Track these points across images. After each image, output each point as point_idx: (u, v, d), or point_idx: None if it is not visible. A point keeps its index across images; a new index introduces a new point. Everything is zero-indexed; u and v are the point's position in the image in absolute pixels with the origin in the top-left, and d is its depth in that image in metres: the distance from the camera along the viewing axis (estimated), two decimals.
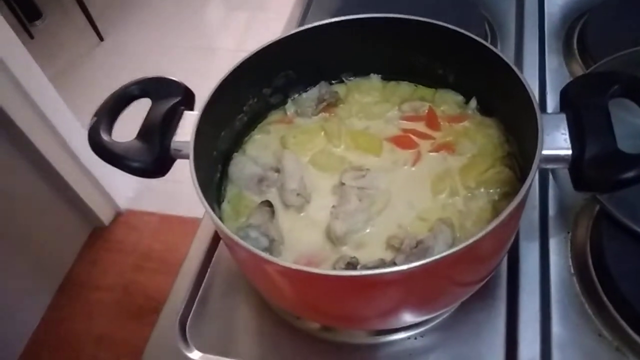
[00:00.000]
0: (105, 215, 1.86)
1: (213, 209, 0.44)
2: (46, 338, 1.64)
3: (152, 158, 0.48)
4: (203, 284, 0.58)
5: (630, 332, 0.49)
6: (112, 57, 2.49)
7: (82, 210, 1.79)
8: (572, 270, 0.54)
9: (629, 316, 0.50)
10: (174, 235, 1.78)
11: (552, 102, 0.67)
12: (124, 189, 1.91)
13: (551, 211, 0.59)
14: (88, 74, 2.39)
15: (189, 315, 0.56)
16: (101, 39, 2.58)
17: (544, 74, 0.71)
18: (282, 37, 0.55)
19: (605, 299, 0.51)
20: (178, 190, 1.86)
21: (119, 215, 1.90)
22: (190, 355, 0.53)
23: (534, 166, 0.41)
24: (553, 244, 0.56)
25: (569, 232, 0.57)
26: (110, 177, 1.82)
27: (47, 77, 1.55)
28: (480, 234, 0.38)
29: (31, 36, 2.61)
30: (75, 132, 1.64)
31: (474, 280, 0.48)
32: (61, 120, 1.59)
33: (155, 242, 1.81)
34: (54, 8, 2.80)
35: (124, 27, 2.65)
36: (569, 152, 0.44)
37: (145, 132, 0.49)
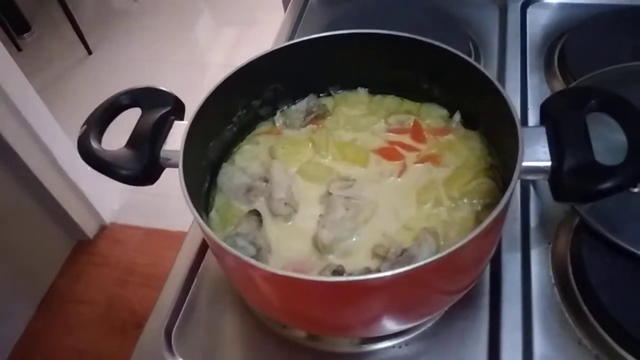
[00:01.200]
0: (89, 229, 1.85)
1: (201, 218, 0.44)
2: (27, 353, 1.62)
3: (141, 166, 0.49)
4: (189, 294, 0.59)
5: (609, 340, 0.50)
6: (101, 70, 2.50)
7: (66, 223, 1.78)
8: (553, 280, 0.55)
9: (608, 325, 0.51)
10: (159, 249, 1.77)
11: (533, 116, 0.70)
12: (109, 203, 1.91)
13: (532, 223, 0.60)
14: (76, 88, 2.39)
15: (174, 324, 0.56)
16: (90, 52, 2.59)
17: (525, 90, 0.74)
18: (271, 50, 0.56)
19: (585, 308, 0.52)
20: (163, 204, 1.86)
21: (103, 228, 1.90)
22: None
23: (515, 177, 0.43)
24: (534, 255, 0.57)
25: (549, 243, 0.58)
26: (95, 191, 1.82)
27: (35, 90, 1.56)
28: (462, 242, 0.39)
29: (19, 49, 2.61)
30: (61, 145, 1.64)
31: (456, 288, 0.48)
32: (48, 133, 1.59)
33: (139, 255, 1.80)
34: (43, 21, 2.81)
35: (113, 41, 2.66)
36: (549, 163, 0.45)
37: (134, 141, 0.50)
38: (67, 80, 2.46)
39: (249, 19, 2.69)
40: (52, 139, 1.60)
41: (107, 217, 1.90)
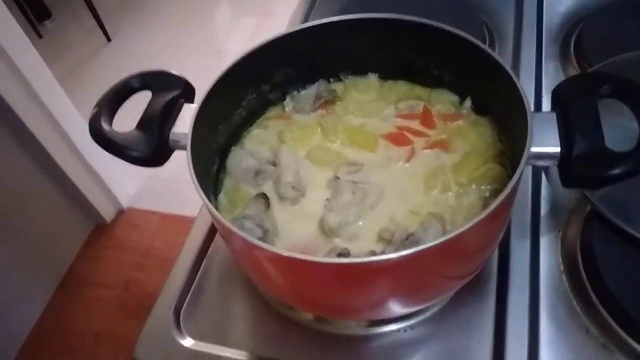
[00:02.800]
0: (107, 213, 1.88)
1: (209, 200, 0.45)
2: (46, 333, 1.66)
3: (150, 148, 0.49)
4: (198, 275, 0.60)
5: (617, 329, 0.50)
6: (119, 57, 2.52)
7: (84, 207, 1.81)
8: (562, 268, 0.55)
9: (616, 313, 0.50)
10: (175, 234, 1.79)
11: (547, 104, 0.68)
12: (126, 188, 1.93)
13: (543, 210, 0.59)
14: (95, 74, 2.42)
15: (183, 304, 0.57)
16: (109, 39, 2.61)
17: (540, 78, 0.72)
18: (281, 34, 0.56)
19: (593, 296, 0.52)
20: (179, 190, 1.88)
21: (120, 213, 1.92)
22: (182, 342, 0.54)
23: (522, 161, 0.42)
24: (544, 242, 0.57)
25: (559, 231, 0.58)
26: (113, 176, 1.85)
27: (54, 76, 1.58)
28: (467, 225, 0.39)
29: (40, 36, 2.64)
30: (80, 131, 1.67)
31: (462, 273, 0.48)
32: (67, 119, 1.61)
33: (156, 240, 1.82)
34: (63, 9, 2.84)
35: (132, 28, 2.68)
36: (558, 149, 0.45)
37: (144, 123, 0.51)
38: (86, 66, 2.49)
39: (266, 10, 2.69)
40: (71, 124, 1.63)
41: (125, 202, 1.92)
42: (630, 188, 0.55)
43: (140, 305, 1.67)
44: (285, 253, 0.40)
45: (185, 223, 1.81)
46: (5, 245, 1.53)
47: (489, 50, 0.51)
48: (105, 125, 0.49)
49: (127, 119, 0.54)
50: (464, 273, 0.49)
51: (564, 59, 0.75)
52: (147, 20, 2.72)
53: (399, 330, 0.53)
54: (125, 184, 1.93)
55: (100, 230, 1.89)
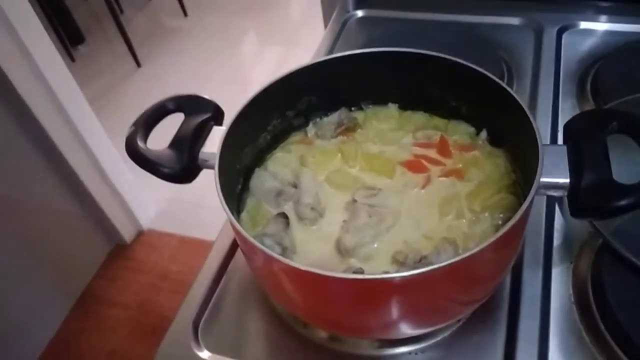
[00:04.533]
0: (127, 234, 1.92)
1: (233, 217, 0.47)
2: (60, 350, 1.68)
3: (180, 166, 0.53)
4: (217, 290, 0.62)
5: None
6: (148, 83, 2.61)
7: (106, 227, 1.85)
8: (572, 299, 0.56)
9: (625, 346, 0.51)
10: (192, 257, 1.82)
11: (562, 140, 0.70)
12: (147, 209, 1.98)
13: (556, 241, 0.61)
14: (124, 98, 2.50)
15: (202, 317, 0.59)
16: (139, 65, 2.71)
17: (556, 114, 0.75)
18: (307, 64, 0.60)
19: (602, 327, 0.53)
20: (199, 214, 1.92)
21: (140, 234, 1.96)
22: (200, 354, 0.56)
23: (533, 190, 0.44)
24: (555, 273, 0.58)
25: (571, 263, 0.59)
26: (135, 198, 1.89)
27: (85, 99, 1.64)
28: (478, 248, 0.41)
29: (73, 59, 2.75)
30: (107, 152, 1.72)
31: (473, 298, 0.50)
32: (95, 140, 1.67)
33: (173, 263, 1.85)
34: (97, 34, 2.96)
35: (162, 55, 2.78)
36: (567, 180, 0.47)
37: (176, 142, 0.54)
38: (116, 91, 2.58)
39: (292, 40, 2.77)
40: (99, 146, 1.68)
41: (145, 224, 1.96)
42: None
43: (154, 327, 1.69)
44: (303, 267, 0.42)
45: (203, 247, 1.86)
46: (26, 260, 1.56)
47: (505, 86, 0.54)
48: (140, 143, 0.52)
49: (159, 139, 0.58)
50: (474, 298, 0.50)
51: (580, 96, 0.77)
52: (177, 49, 2.82)
53: (409, 352, 0.55)
54: (146, 205, 1.97)
55: (120, 250, 1.92)
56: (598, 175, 0.45)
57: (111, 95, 2.54)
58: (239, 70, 2.68)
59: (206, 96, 0.59)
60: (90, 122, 1.66)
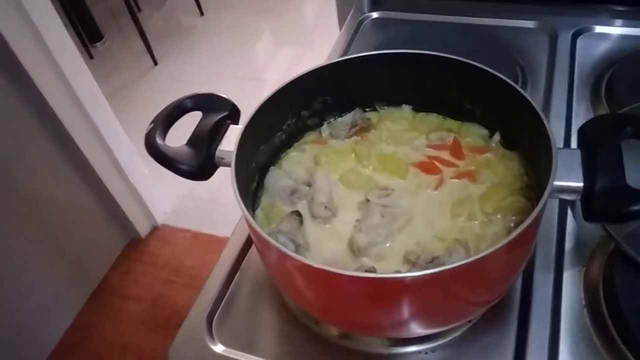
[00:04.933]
0: (142, 228, 1.95)
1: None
2: (74, 341, 1.71)
3: (198, 163, 0.54)
4: (231, 286, 0.63)
5: None
6: (164, 81, 2.64)
7: (121, 221, 1.88)
8: (584, 303, 0.56)
9: (636, 350, 0.51)
10: (206, 252, 1.84)
11: (576, 144, 0.70)
12: (162, 205, 2.00)
13: (568, 245, 0.61)
14: (141, 95, 2.53)
15: (216, 312, 0.60)
16: (155, 63, 2.74)
17: (570, 117, 0.75)
18: (322, 65, 0.61)
19: (614, 332, 0.53)
20: (213, 210, 1.94)
21: (155, 229, 1.99)
22: (214, 347, 0.57)
23: (546, 193, 0.45)
24: (567, 276, 0.58)
25: (583, 266, 0.59)
26: (151, 193, 1.92)
27: (103, 96, 1.67)
28: (490, 250, 0.42)
29: (91, 56, 2.79)
30: (124, 148, 1.75)
31: (483, 299, 0.50)
32: (112, 136, 1.70)
33: (187, 258, 1.87)
34: (115, 32, 3.00)
35: (178, 54, 2.81)
36: (581, 184, 0.47)
37: (194, 140, 0.55)
38: (133, 88, 2.62)
39: (307, 41, 2.79)
40: (116, 142, 1.71)
41: (160, 219, 1.99)
42: None
43: (167, 320, 1.71)
44: (316, 265, 0.43)
45: (217, 243, 1.88)
46: (43, 253, 1.60)
47: (520, 89, 0.54)
48: (159, 140, 0.54)
49: (177, 136, 0.59)
50: (485, 299, 0.51)
51: (594, 100, 0.77)
52: (193, 47, 2.85)
53: (420, 352, 0.55)
54: (162, 201, 2.00)
55: (135, 244, 1.95)
56: (611, 179, 0.46)
57: (128, 92, 2.57)
58: (254, 69, 2.70)
59: (223, 95, 0.60)
60: (107, 118, 1.68)
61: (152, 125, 0.55)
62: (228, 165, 0.52)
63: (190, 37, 2.94)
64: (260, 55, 2.82)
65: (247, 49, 2.81)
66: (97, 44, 2.90)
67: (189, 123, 0.59)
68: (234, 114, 0.58)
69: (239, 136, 0.53)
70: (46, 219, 1.59)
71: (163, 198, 2.01)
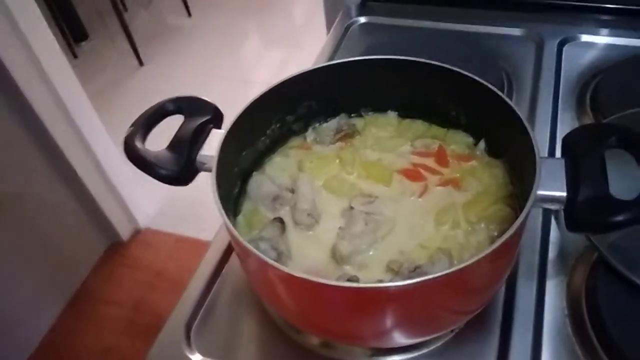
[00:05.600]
0: (124, 232, 1.92)
1: (229, 220, 0.47)
2: (54, 346, 1.67)
3: (178, 167, 0.53)
4: (211, 294, 0.62)
5: None
6: (150, 81, 2.61)
7: (103, 224, 1.85)
8: (566, 312, 0.56)
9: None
10: (189, 256, 1.82)
11: (560, 152, 0.70)
12: (145, 208, 1.97)
13: (551, 254, 0.61)
14: (125, 96, 2.50)
15: (195, 320, 0.59)
16: (141, 63, 2.71)
17: (555, 126, 0.75)
18: (308, 70, 0.60)
19: (595, 341, 0.53)
20: (196, 214, 1.92)
21: (137, 232, 1.96)
22: (192, 357, 0.56)
23: (529, 202, 0.44)
24: (550, 286, 0.58)
25: (566, 276, 0.59)
26: (133, 196, 1.89)
27: (87, 96, 1.64)
28: (473, 259, 0.41)
29: (75, 56, 2.75)
30: (106, 149, 1.72)
31: (466, 308, 0.50)
32: (95, 137, 1.67)
33: (170, 262, 1.85)
34: (100, 31, 2.97)
35: (164, 54, 2.79)
36: (564, 193, 0.47)
37: (175, 144, 0.54)
38: (118, 88, 2.58)
39: (295, 42, 2.78)
40: (98, 143, 1.68)
41: (142, 222, 1.96)
42: (637, 237, 0.57)
43: (149, 326, 1.68)
44: (297, 274, 0.42)
45: (199, 247, 1.86)
46: (22, 255, 1.56)
47: (505, 97, 0.54)
48: (138, 144, 0.52)
49: (159, 140, 0.58)
50: (468, 308, 0.50)
51: (579, 109, 0.77)
52: (180, 48, 2.83)
53: None
54: (144, 204, 1.97)
55: (116, 248, 1.92)
56: (595, 189, 0.46)
57: (113, 93, 2.54)
58: (241, 70, 2.68)
59: (206, 98, 0.59)
60: (90, 119, 1.66)
61: (132, 128, 0.54)
62: (209, 170, 0.51)
63: (177, 38, 2.91)
64: (248, 56, 2.80)
65: (235, 49, 2.80)
66: (82, 43, 2.86)
67: (170, 127, 0.58)
68: (216, 118, 0.57)
69: (221, 141, 0.52)
70: (26, 221, 1.56)
71: (146, 201, 1.98)
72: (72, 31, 2.77)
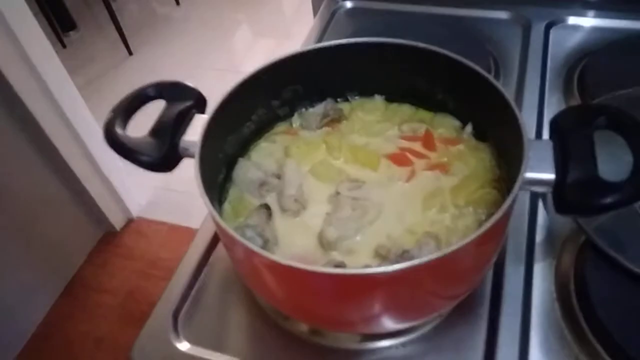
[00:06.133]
0: (117, 221, 1.92)
1: (214, 207, 0.47)
2: (47, 336, 1.67)
3: (160, 154, 0.52)
4: (198, 282, 0.61)
5: (607, 359, 0.50)
6: (139, 71, 2.58)
7: (96, 214, 1.84)
8: (555, 296, 0.56)
9: (607, 344, 0.51)
10: (182, 245, 1.80)
11: (547, 135, 0.70)
12: (137, 197, 1.97)
13: (539, 237, 0.60)
14: (114, 86, 2.48)
15: (182, 309, 0.59)
16: (130, 53, 2.68)
17: (542, 109, 0.74)
18: (293, 53, 0.59)
19: (584, 325, 0.53)
20: (189, 202, 1.91)
21: (130, 222, 1.95)
22: (179, 345, 0.55)
23: (517, 185, 0.44)
24: (538, 269, 0.58)
25: (554, 259, 0.59)
26: (126, 185, 1.88)
27: (75, 86, 1.62)
28: (461, 243, 0.41)
29: (64, 45, 2.72)
30: (97, 139, 1.71)
31: (454, 292, 0.50)
32: (85, 127, 1.66)
33: (163, 250, 1.85)
34: (88, 21, 2.93)
35: (154, 44, 2.76)
36: (552, 176, 0.46)
37: (156, 130, 0.53)
38: (107, 78, 2.56)
39: (284, 32, 2.76)
40: (88, 133, 1.67)
41: (135, 211, 1.95)
42: (625, 219, 0.56)
43: (143, 314, 1.66)
44: (284, 261, 0.41)
45: (192, 235, 1.84)
46: (15, 246, 1.56)
47: (492, 79, 0.53)
48: (119, 130, 0.51)
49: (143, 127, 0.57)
50: (456, 292, 0.50)
51: (567, 91, 0.77)
52: (169, 38, 2.80)
53: (391, 347, 0.54)
54: (137, 193, 1.96)
55: (109, 237, 1.92)
56: (584, 171, 0.45)
57: (102, 83, 2.51)
58: (230, 60, 2.66)
59: (189, 83, 0.58)
60: (79, 110, 1.64)
61: (112, 114, 0.52)
62: (192, 156, 0.50)
63: (166, 27, 2.88)
64: (237, 46, 2.78)
65: (224, 40, 2.77)
66: (70, 32, 2.82)
67: (155, 113, 0.56)
68: (199, 103, 0.56)
69: (205, 126, 0.52)
70: (18, 211, 1.55)
71: (138, 190, 1.97)
72: (60, 21, 2.73)
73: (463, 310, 0.55)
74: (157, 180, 2.01)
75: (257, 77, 0.57)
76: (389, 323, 0.50)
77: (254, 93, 0.58)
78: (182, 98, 0.55)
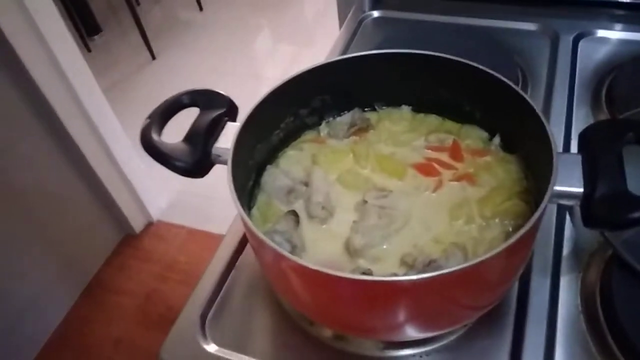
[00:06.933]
0: (137, 224, 1.94)
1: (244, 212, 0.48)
2: (66, 336, 1.70)
3: (193, 160, 0.53)
4: (225, 285, 0.62)
5: None
6: (162, 75, 2.62)
7: (116, 217, 1.87)
8: (580, 309, 0.56)
9: (632, 358, 0.51)
10: (200, 249, 1.83)
11: (575, 147, 0.70)
12: (157, 201, 1.99)
13: (565, 250, 0.60)
14: (138, 90, 2.52)
15: (209, 311, 0.60)
16: (154, 57, 2.72)
17: (570, 121, 0.74)
18: (321, 63, 0.60)
19: (610, 339, 0.53)
20: (208, 207, 1.93)
21: (150, 225, 1.98)
22: (206, 347, 0.56)
23: (546, 198, 0.44)
24: (564, 282, 0.58)
25: (580, 272, 0.59)
26: (146, 188, 1.90)
27: (100, 89, 1.65)
28: (488, 255, 0.41)
29: (89, 49, 2.77)
30: (120, 142, 1.74)
31: (480, 303, 0.50)
32: (109, 130, 1.68)
33: (181, 254, 1.86)
34: (113, 25, 2.99)
35: (176, 48, 2.80)
36: (581, 189, 0.47)
37: (190, 137, 0.54)
38: (131, 82, 2.60)
39: (306, 39, 2.78)
40: (112, 136, 1.70)
41: (155, 215, 1.98)
42: None
43: (160, 317, 1.70)
44: (312, 266, 0.42)
45: (211, 239, 1.87)
46: (36, 246, 1.58)
47: (521, 92, 0.54)
48: (155, 136, 0.53)
49: (174, 132, 0.58)
50: (482, 303, 0.50)
51: (595, 105, 0.76)
52: (192, 42, 2.84)
53: (414, 355, 0.55)
54: (157, 197, 1.99)
55: (129, 240, 1.94)
56: (612, 185, 0.45)
57: (125, 86, 2.56)
58: (252, 66, 2.69)
59: (221, 92, 0.59)
60: (104, 112, 1.67)
61: (149, 120, 0.54)
62: (224, 162, 0.51)
63: (189, 32, 2.92)
64: (259, 51, 2.81)
65: (246, 45, 2.80)
66: (95, 37, 2.87)
67: (186, 119, 0.58)
68: (231, 111, 0.58)
69: (237, 134, 0.53)
70: (40, 212, 1.57)
71: (159, 193, 1.99)
72: (85, 25, 2.79)
73: (488, 322, 0.55)
74: (178, 184, 2.04)
75: (286, 87, 0.58)
76: (412, 331, 0.50)
77: (283, 102, 0.60)
78: (214, 106, 0.57)
